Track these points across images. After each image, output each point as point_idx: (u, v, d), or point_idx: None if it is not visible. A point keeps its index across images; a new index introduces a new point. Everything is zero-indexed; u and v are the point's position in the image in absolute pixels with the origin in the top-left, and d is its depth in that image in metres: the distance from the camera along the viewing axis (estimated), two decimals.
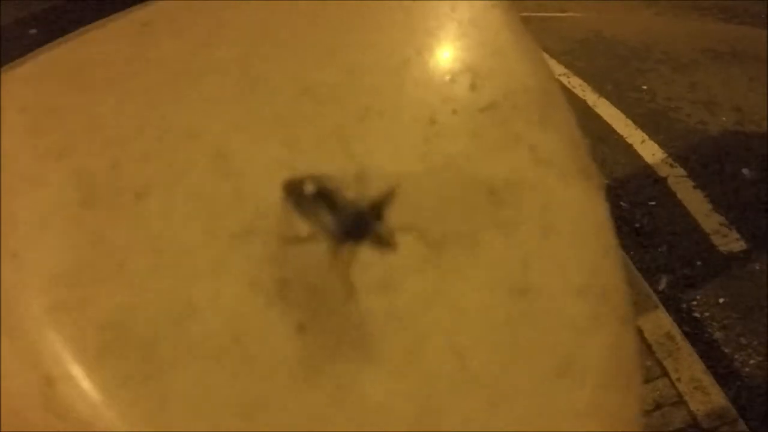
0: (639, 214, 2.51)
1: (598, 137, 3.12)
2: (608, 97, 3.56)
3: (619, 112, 3.36)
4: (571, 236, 0.44)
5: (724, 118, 3.32)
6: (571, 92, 3.65)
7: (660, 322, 2.02)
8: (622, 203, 2.56)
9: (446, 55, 0.55)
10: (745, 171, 2.76)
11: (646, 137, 3.06)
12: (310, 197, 0.39)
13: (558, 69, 4.04)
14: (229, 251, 0.40)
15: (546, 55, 3.84)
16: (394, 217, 0.40)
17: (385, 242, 0.38)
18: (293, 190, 0.40)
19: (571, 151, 0.48)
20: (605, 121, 3.27)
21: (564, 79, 3.86)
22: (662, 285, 2.18)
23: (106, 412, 0.36)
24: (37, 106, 0.48)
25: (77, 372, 0.37)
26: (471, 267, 0.41)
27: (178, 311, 0.38)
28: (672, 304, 2.12)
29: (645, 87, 3.74)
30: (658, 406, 1.82)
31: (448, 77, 0.52)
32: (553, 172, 0.46)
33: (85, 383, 0.37)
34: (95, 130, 0.46)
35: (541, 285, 0.41)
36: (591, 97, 3.58)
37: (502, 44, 0.57)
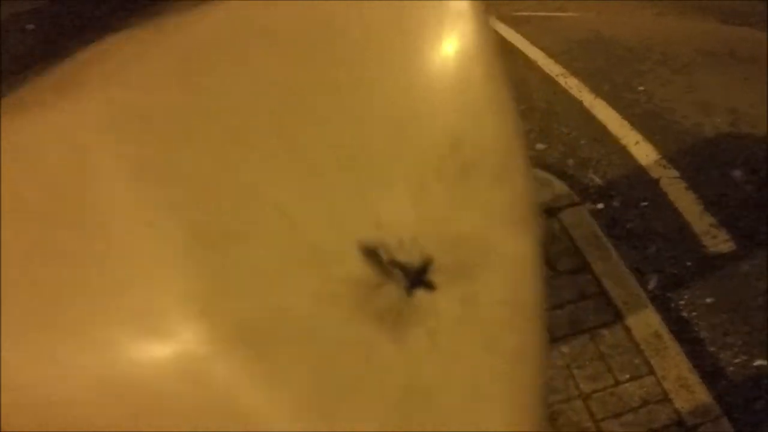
0: (631, 215, 2.56)
1: (593, 138, 3.16)
2: (605, 98, 3.60)
3: (614, 112, 3.41)
4: (502, 278, 0.62)
5: (718, 120, 3.35)
6: (568, 93, 3.70)
7: (648, 321, 2.07)
8: (614, 203, 2.61)
9: (436, 117, 0.70)
10: (737, 173, 2.80)
11: (640, 138, 3.11)
12: (384, 260, 0.59)
13: (556, 69, 4.08)
14: (310, 281, 0.59)
15: (544, 55, 3.87)
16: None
17: (431, 287, 0.60)
18: (370, 254, 0.60)
19: (519, 207, 0.67)
20: (601, 121, 3.32)
21: (561, 79, 3.90)
22: (652, 284, 2.22)
23: (237, 385, 0.54)
24: (132, 154, 0.62)
25: (221, 358, 0.54)
26: (431, 301, 0.61)
27: (282, 320, 0.57)
28: (661, 303, 2.17)
29: (642, 88, 3.77)
30: (644, 403, 1.88)
31: (437, 139, 0.68)
32: (498, 225, 0.65)
33: (224, 365, 0.53)
34: (195, 186, 0.60)
35: (475, 305, 0.60)
36: (587, 98, 3.62)
37: (483, 102, 0.71)
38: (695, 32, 5.18)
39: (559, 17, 5.43)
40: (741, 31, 5.21)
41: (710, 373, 1.98)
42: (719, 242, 2.38)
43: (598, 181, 2.76)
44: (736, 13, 5.88)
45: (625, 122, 3.29)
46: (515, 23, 5.26)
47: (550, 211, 2.42)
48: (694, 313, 2.16)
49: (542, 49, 4.48)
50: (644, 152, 2.98)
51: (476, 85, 0.69)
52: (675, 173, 2.80)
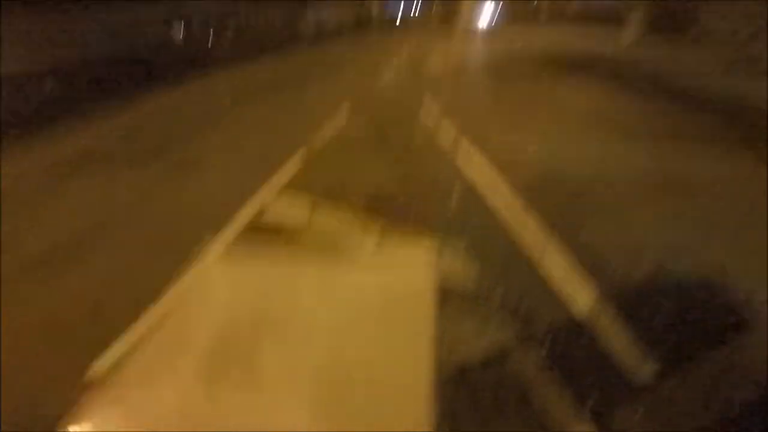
0: (573, 351, 3.03)
1: (544, 280, 3.66)
2: (554, 241, 4.14)
3: (561, 256, 3.94)
4: None
5: (651, 258, 3.88)
6: (524, 236, 4.24)
7: None
8: (559, 341, 3.07)
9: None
10: (665, 307, 3.32)
11: (582, 282, 3.61)
12: None
13: (515, 209, 4.68)
14: None
15: (506, 194, 4.46)
16: None
17: None
18: None
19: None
20: (550, 265, 3.83)
21: (520, 220, 4.45)
22: (588, 406, 2.72)
23: None
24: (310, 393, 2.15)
25: None
26: None
27: None
28: (596, 420, 2.62)
29: (585, 228, 4.33)
30: None
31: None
32: None
33: None
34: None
35: None
36: (540, 241, 4.15)
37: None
38: (636, 161, 5.79)
39: (517, 156, 6.13)
40: (680, 160, 5.78)
41: None
42: (646, 371, 2.86)
43: (545, 321, 3.23)
44: (680, 134, 6.58)
45: (570, 265, 3.79)
46: (485, 157, 6.00)
47: (504, 351, 2.97)
48: (625, 426, 2.61)
49: (506, 188, 5.14)
50: (585, 294, 3.47)
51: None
52: (612, 311, 3.29)
